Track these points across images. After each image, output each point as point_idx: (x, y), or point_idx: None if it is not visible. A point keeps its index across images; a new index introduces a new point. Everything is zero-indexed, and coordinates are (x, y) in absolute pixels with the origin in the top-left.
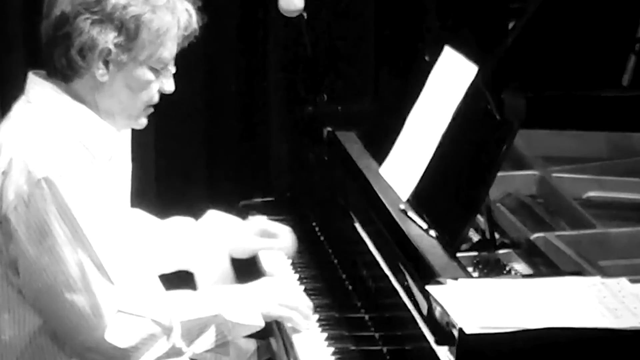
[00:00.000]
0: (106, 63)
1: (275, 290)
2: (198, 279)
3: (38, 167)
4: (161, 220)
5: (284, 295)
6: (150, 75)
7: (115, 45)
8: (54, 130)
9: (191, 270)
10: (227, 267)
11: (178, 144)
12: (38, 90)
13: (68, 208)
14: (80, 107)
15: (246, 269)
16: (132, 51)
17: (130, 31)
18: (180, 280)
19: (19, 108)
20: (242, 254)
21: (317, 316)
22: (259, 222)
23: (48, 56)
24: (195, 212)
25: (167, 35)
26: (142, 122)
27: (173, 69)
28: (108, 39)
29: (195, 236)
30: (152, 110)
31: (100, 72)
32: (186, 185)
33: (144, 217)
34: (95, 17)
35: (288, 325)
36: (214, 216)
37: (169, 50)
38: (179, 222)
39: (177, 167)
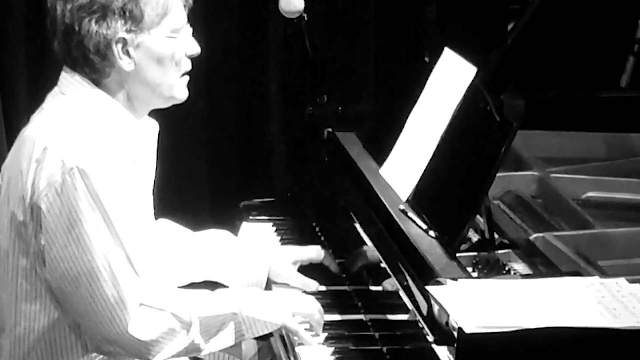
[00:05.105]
0: (127, 52)
1: (291, 299)
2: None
3: (71, 156)
4: (192, 231)
5: (299, 304)
6: (170, 45)
7: (127, 31)
8: (88, 122)
9: (224, 282)
10: (262, 283)
11: (179, 144)
12: (71, 82)
13: (99, 198)
14: (112, 102)
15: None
16: (145, 30)
17: (134, 13)
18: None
19: (52, 100)
20: (275, 277)
21: None
22: (298, 252)
23: (72, 69)
24: (196, 212)
25: (169, 2)
26: (182, 94)
27: (190, 30)
28: (117, 29)
29: (237, 251)
30: (188, 78)
31: (124, 62)
32: (187, 185)
33: (172, 227)
34: (97, 14)
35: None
36: (252, 231)
37: (178, 15)
38: (217, 234)
39: (178, 167)
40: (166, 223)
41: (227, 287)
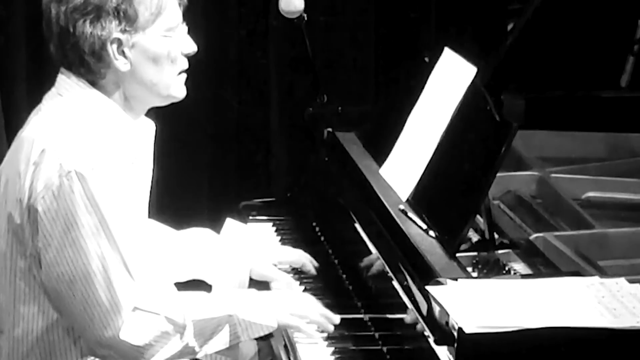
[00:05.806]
0: (122, 53)
1: (289, 299)
2: (215, 290)
3: (69, 159)
4: (176, 230)
5: (297, 304)
6: (165, 44)
7: (122, 32)
8: (86, 124)
9: (208, 281)
10: (245, 283)
11: (178, 144)
12: (68, 83)
13: (96, 202)
14: (109, 103)
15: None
16: (139, 30)
17: (128, 14)
18: (194, 286)
19: (49, 101)
20: (258, 277)
21: None
22: (279, 254)
23: (69, 71)
24: (196, 212)
25: (163, 1)
26: (180, 92)
27: (185, 29)
28: (112, 30)
29: (218, 250)
30: (185, 76)
31: (120, 62)
32: (187, 185)
33: (158, 227)
34: (91, 16)
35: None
36: (235, 229)
37: (173, 13)
38: (200, 233)
39: (177, 167)
40: (150, 223)
41: (211, 285)
